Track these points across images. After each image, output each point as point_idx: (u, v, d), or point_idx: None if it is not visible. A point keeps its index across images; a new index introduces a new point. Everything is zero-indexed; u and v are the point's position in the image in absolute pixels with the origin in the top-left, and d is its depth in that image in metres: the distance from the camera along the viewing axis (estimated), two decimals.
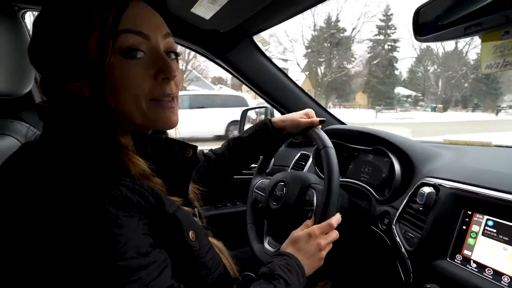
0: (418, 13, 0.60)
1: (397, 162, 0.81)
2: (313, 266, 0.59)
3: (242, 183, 1.35)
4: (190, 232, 0.47)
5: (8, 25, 0.68)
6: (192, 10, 0.89)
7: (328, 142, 0.68)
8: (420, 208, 0.67)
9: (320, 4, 0.94)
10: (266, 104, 1.30)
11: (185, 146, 0.53)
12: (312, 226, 0.62)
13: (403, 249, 0.67)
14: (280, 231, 0.82)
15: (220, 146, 0.88)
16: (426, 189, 0.65)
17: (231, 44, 1.11)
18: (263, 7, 0.88)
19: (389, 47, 28.80)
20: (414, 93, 30.48)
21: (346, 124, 1.22)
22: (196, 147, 0.55)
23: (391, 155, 0.82)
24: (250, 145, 0.82)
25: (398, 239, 0.69)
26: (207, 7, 0.87)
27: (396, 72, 30.14)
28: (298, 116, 0.79)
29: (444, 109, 27.19)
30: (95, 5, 0.42)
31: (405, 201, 0.72)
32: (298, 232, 0.62)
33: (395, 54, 28.77)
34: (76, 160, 0.40)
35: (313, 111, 0.80)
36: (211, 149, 0.87)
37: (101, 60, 0.42)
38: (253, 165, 1.40)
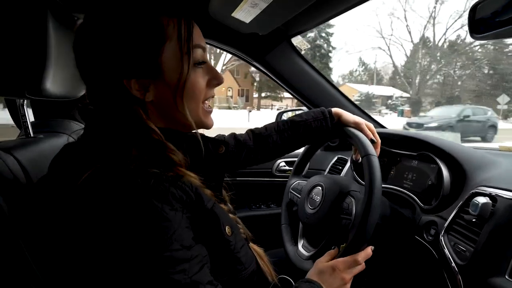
0: (474, 10, 0.56)
1: (446, 169, 0.76)
2: None
3: (277, 185, 1.35)
4: (227, 227, 0.49)
5: (68, 34, 0.75)
6: (233, 14, 0.91)
7: (372, 149, 0.65)
8: (473, 220, 0.62)
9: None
10: (303, 107, 1.29)
11: (218, 143, 0.56)
12: (337, 260, 0.60)
13: (453, 264, 0.62)
14: (315, 236, 0.81)
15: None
16: (481, 199, 0.60)
17: (270, 47, 1.11)
18: (302, 10, 0.87)
19: (318, 33, 22.44)
20: (397, 93, 25.13)
21: (387, 128, 1.17)
22: (228, 143, 0.57)
23: (439, 161, 0.77)
24: (304, 131, 0.74)
25: (447, 252, 0.65)
26: (248, 11, 0.89)
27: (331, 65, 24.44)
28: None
29: (414, 113, 21.17)
30: (168, 17, 0.46)
31: (455, 211, 0.67)
32: (323, 263, 0.61)
33: (330, 42, 22.44)
34: (124, 158, 0.42)
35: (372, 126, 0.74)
36: (251, 130, 0.79)
37: (180, 69, 0.47)
38: (287, 167, 1.41)
